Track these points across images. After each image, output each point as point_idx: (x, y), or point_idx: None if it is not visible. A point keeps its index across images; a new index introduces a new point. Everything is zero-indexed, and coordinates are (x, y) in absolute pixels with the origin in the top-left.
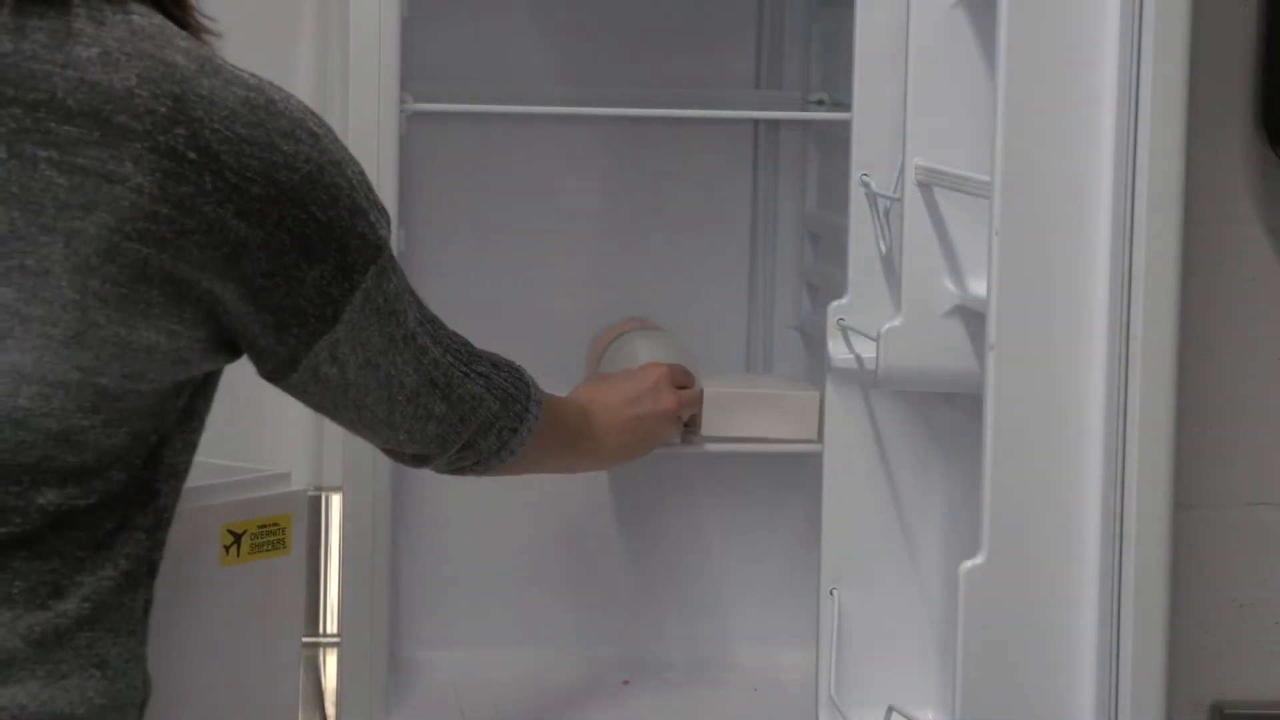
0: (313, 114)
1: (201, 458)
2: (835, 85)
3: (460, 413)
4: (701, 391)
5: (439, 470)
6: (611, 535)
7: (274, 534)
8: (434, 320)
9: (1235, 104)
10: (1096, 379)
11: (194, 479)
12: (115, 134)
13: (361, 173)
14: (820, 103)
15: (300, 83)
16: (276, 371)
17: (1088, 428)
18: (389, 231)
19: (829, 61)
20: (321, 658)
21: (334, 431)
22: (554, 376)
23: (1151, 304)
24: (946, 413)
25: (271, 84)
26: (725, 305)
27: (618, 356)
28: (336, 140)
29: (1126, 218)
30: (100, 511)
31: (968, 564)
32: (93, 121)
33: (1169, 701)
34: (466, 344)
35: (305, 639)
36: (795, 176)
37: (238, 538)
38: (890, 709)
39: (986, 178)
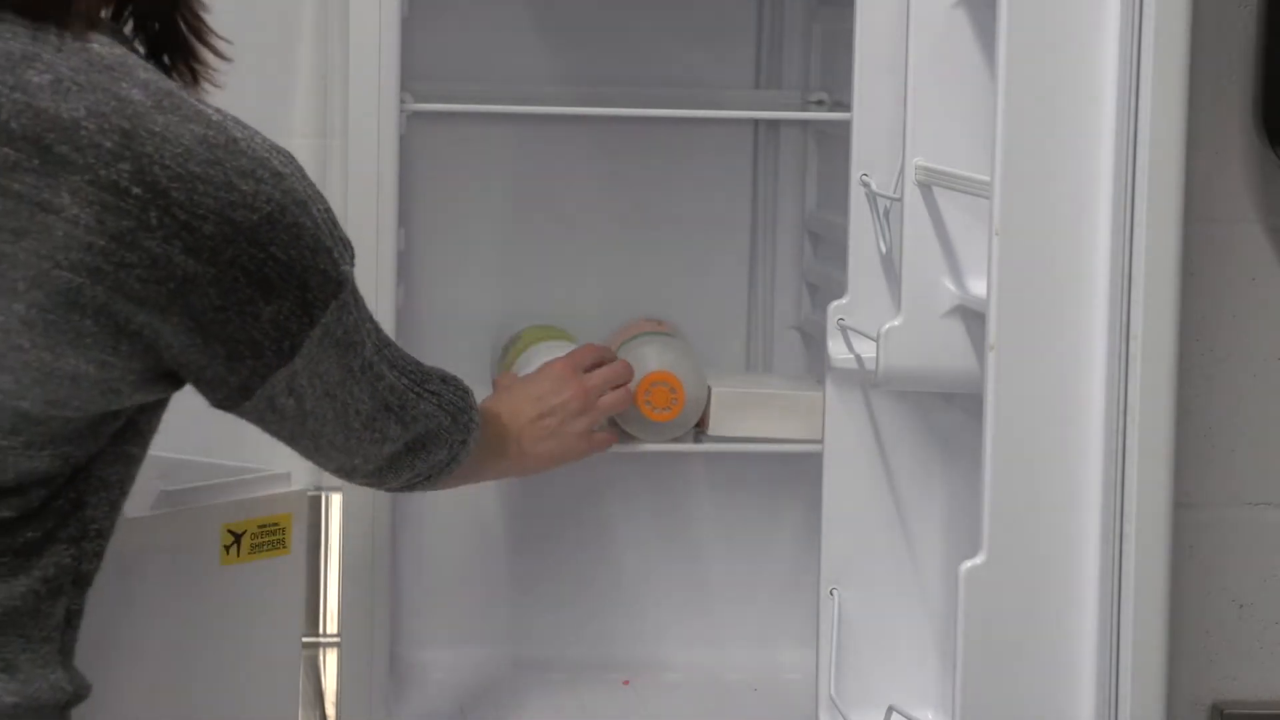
0: (280, 152)
1: (202, 458)
2: (835, 85)
3: (414, 432)
4: (624, 364)
5: (390, 490)
6: (611, 535)
7: (274, 534)
8: (389, 344)
9: (1235, 104)
10: (1096, 379)
11: (194, 479)
12: (54, 163)
13: (327, 210)
14: (820, 103)
15: (300, 83)
16: (228, 400)
17: (1088, 428)
18: (352, 265)
19: (829, 61)
20: (321, 658)
21: None
22: None
23: (1151, 304)
24: (946, 413)
25: (238, 122)
26: (725, 305)
27: (627, 360)
28: (303, 178)
29: (1126, 218)
30: (20, 524)
31: (968, 564)
32: (33, 148)
33: (1169, 701)
34: (418, 364)
35: (305, 639)
36: (795, 176)
37: (238, 538)
38: (890, 709)
39: (986, 178)
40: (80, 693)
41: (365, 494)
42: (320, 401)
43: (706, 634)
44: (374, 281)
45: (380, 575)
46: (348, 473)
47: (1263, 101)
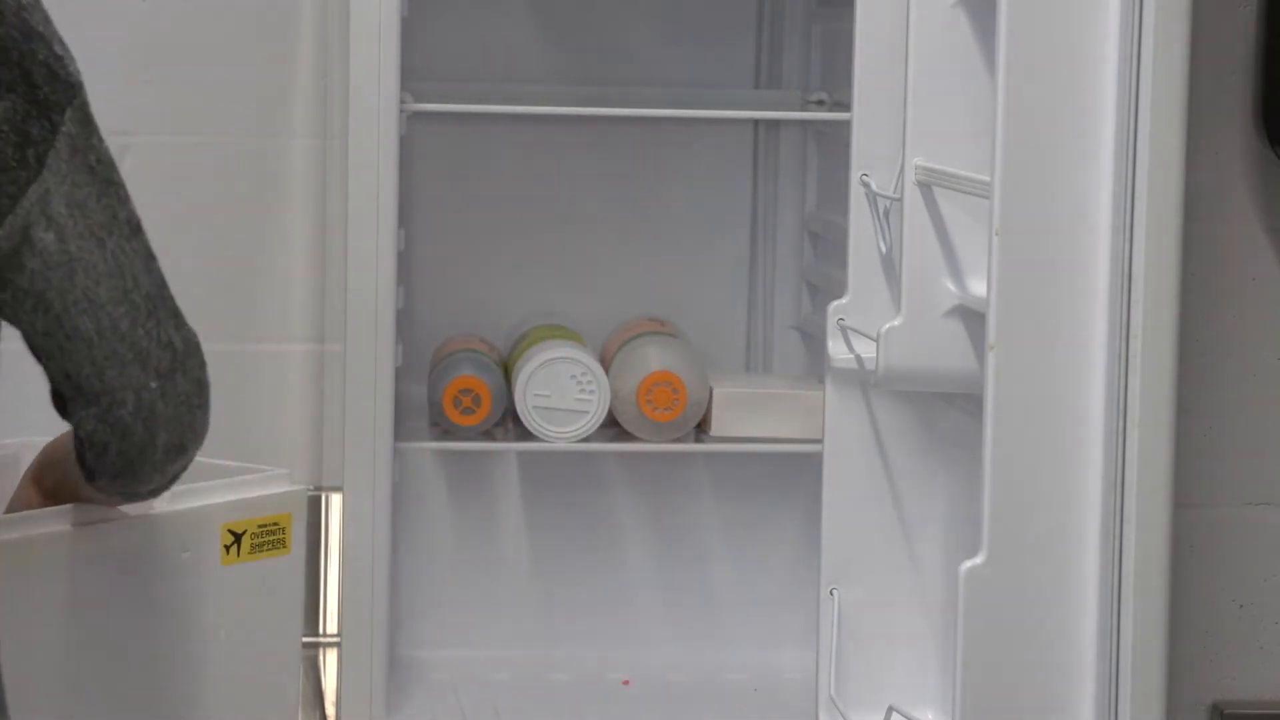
0: None
1: (201, 458)
2: (835, 85)
3: (198, 361)
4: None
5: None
6: (612, 536)
7: (274, 534)
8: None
9: (1235, 104)
10: (1096, 379)
11: (194, 479)
12: None
13: (45, 14)
14: (820, 103)
15: (300, 83)
16: None
17: (1088, 428)
18: (80, 76)
19: (829, 61)
20: (321, 658)
21: (334, 431)
22: None
23: (1151, 304)
24: (946, 413)
25: None
26: (725, 305)
27: (629, 360)
28: None
29: (1126, 218)
30: None
31: (968, 564)
32: None
33: (1169, 701)
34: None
35: (305, 639)
36: (795, 176)
37: (238, 537)
38: (890, 709)
39: (986, 178)
40: None
41: (365, 494)
42: (85, 242)
43: (707, 634)
44: (374, 281)
45: (380, 575)
46: (149, 411)
47: (1263, 101)
